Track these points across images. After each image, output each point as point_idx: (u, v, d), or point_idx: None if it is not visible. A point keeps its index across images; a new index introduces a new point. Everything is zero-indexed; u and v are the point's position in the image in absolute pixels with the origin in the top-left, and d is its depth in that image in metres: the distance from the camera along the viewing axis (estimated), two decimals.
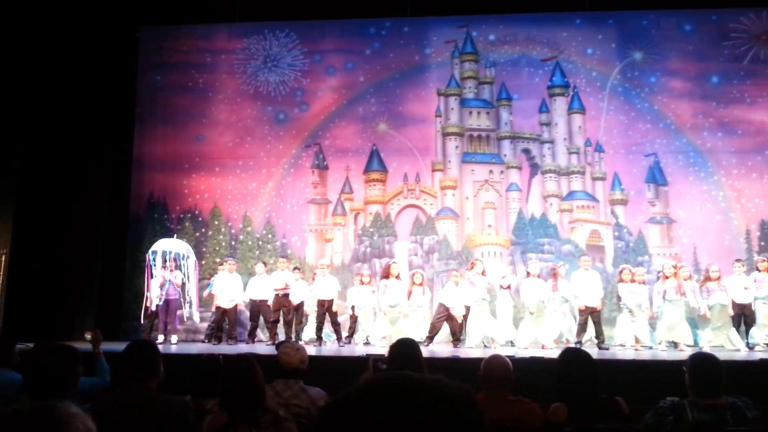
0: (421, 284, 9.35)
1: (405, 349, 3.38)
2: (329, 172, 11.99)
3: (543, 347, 8.74)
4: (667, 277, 8.74)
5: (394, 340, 8.50)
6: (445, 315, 8.83)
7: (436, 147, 12.04)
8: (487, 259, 11.16)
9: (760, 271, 8.71)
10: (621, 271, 9.07)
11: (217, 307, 9.43)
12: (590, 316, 8.67)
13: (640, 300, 8.82)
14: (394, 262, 9.47)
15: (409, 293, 9.31)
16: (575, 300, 9.01)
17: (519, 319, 9.47)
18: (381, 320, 9.04)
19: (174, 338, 9.50)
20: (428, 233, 11.57)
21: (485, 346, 8.85)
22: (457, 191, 11.83)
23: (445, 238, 11.51)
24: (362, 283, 9.54)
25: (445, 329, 9.23)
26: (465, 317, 9.21)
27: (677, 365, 3.90)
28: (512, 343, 9.12)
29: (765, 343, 8.42)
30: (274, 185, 11.87)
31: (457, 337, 8.90)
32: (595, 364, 3.46)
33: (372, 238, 11.58)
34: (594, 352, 7.44)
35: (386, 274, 9.23)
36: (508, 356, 3.40)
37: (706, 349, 8.13)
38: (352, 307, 9.53)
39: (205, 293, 10.19)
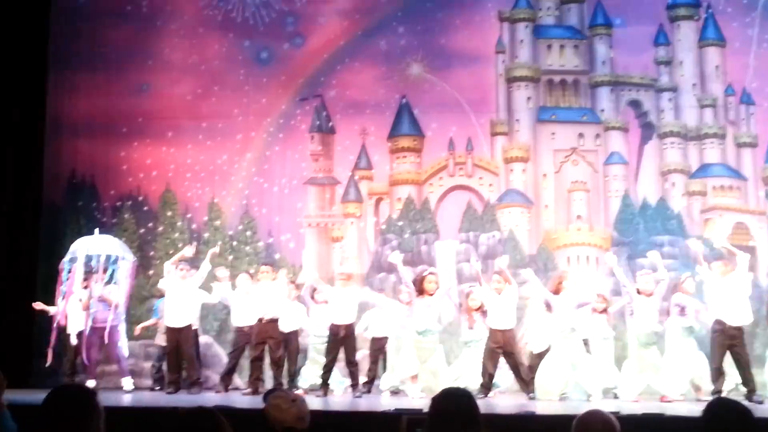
0: (479, 309, 9.26)
1: (454, 404, 3.34)
2: (337, 137, 11.90)
3: (663, 399, 8.65)
4: None
5: (428, 387, 8.46)
6: (499, 347, 8.74)
7: (498, 99, 11.85)
8: (576, 267, 11.07)
9: None
10: None
11: (169, 331, 9.44)
12: (730, 351, 8.52)
13: None
14: (431, 273, 9.40)
15: (470, 323, 9.24)
16: (709, 324, 8.84)
17: (623, 358, 9.36)
18: (407, 356, 9.02)
19: (128, 383, 9.66)
20: (486, 228, 11.45)
21: (562, 398, 8.76)
22: (530, 165, 11.67)
23: (512, 235, 11.41)
24: (405, 303, 9.50)
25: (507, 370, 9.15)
26: (541, 355, 9.09)
27: None
28: (615, 394, 9.01)
29: None
30: (254, 158, 11.83)
31: (526, 383, 8.82)
32: (758, 426, 3.44)
33: (402, 235, 11.52)
34: None
35: (419, 289, 9.19)
36: (612, 413, 3.44)
37: None
38: (375, 341, 9.54)
39: (148, 323, 10.26)
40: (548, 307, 9.25)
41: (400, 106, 11.87)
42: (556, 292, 9.16)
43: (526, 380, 8.93)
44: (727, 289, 8.79)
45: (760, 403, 8.35)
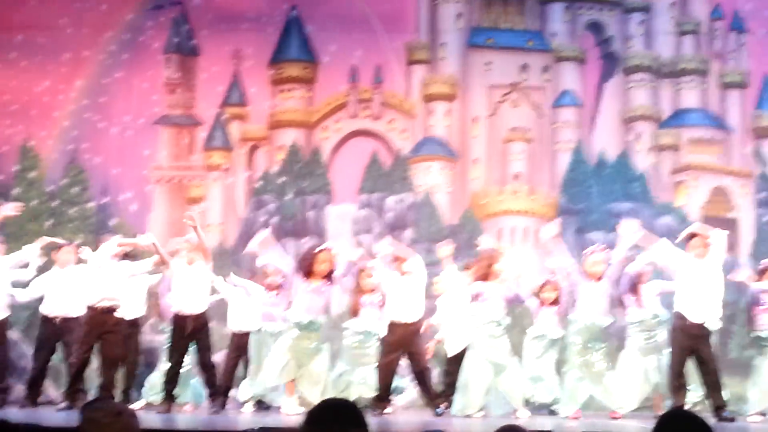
0: (374, 291, 9.40)
1: (336, 419, 3.43)
2: (201, 61, 11.91)
3: (613, 416, 8.90)
4: None
5: (307, 398, 8.54)
6: (399, 345, 8.85)
7: (419, 15, 11.99)
8: (510, 241, 11.29)
9: None
10: (763, 272, 9.16)
11: None
12: (693, 354, 8.78)
13: None
14: (325, 250, 9.43)
15: (355, 308, 9.35)
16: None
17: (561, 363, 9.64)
18: (280, 356, 9.09)
19: None
20: (396, 189, 11.63)
21: (480, 414, 9.00)
22: (457, 105, 11.83)
23: (429, 199, 11.59)
24: (270, 288, 9.54)
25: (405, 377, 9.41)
26: (458, 358, 9.27)
27: None
28: (551, 410, 9.29)
29: None
30: (86, 87, 11.77)
31: (433, 395, 8.99)
32: None
33: (282, 197, 11.61)
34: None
35: (308, 270, 9.22)
36: None
37: None
38: (235, 337, 9.64)
39: None
40: (474, 296, 9.36)
41: (287, 20, 11.88)
42: (485, 276, 9.26)
43: (432, 390, 9.08)
44: (695, 275, 9.03)
45: (731, 420, 8.66)
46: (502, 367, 9.15)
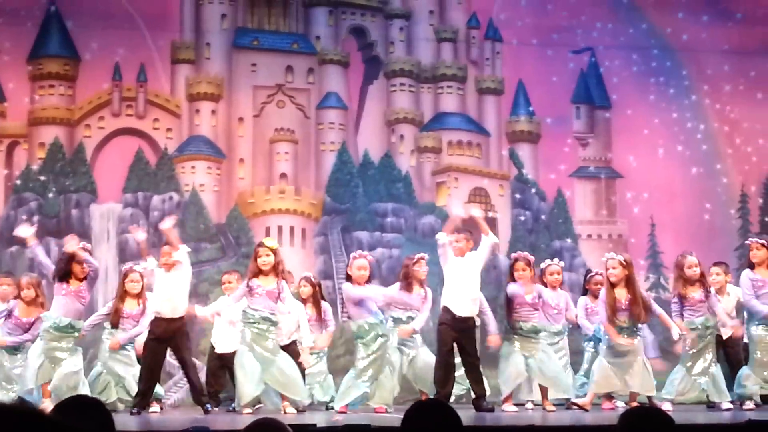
0: (138, 296, 9.26)
1: (78, 416, 3.39)
2: None
3: (377, 411, 9.04)
4: (606, 282, 9.28)
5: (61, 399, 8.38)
6: (160, 340, 8.83)
7: (183, 14, 11.98)
8: (278, 241, 11.35)
9: (755, 266, 9.54)
10: (513, 264, 9.47)
11: None
12: (461, 347, 9.02)
13: (546, 320, 9.44)
14: (83, 248, 9.18)
15: (117, 315, 9.19)
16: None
17: (339, 361, 9.74)
18: (34, 361, 8.90)
19: None
20: (162, 188, 11.56)
21: (256, 409, 9.03)
22: (223, 105, 11.88)
23: (196, 198, 11.60)
24: (19, 295, 9.27)
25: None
26: (224, 357, 9.30)
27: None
28: (327, 405, 9.42)
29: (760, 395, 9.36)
30: None
31: (200, 392, 8.97)
32: None
33: (44, 195, 11.37)
34: (468, 416, 7.83)
35: (67, 271, 8.98)
36: (305, 425, 3.62)
37: (667, 405, 8.83)
38: None
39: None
40: (248, 292, 9.29)
41: (46, 15, 11.63)
42: (256, 272, 9.14)
43: (199, 387, 9.05)
44: (460, 270, 9.28)
45: (490, 410, 8.97)
46: (271, 362, 9.16)
